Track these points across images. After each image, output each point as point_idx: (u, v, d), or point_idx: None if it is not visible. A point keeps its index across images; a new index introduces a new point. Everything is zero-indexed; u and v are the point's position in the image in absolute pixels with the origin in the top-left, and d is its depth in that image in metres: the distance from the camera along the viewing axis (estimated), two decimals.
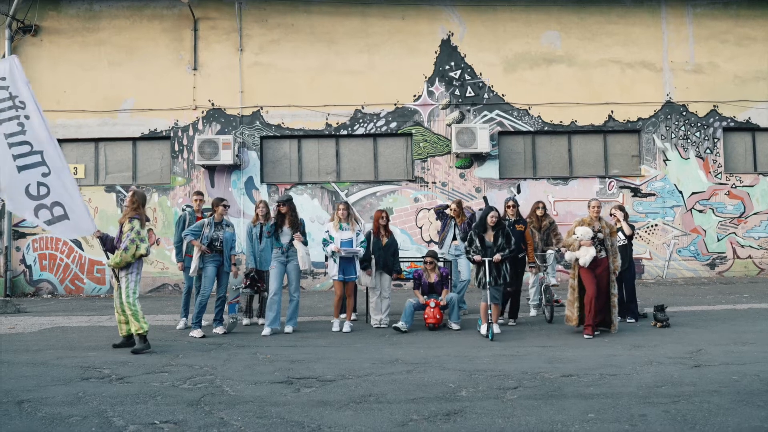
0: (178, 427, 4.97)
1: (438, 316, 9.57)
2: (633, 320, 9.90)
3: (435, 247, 13.55)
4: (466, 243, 9.20)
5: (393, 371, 6.82)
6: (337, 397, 5.79)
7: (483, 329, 8.90)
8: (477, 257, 8.95)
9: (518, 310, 10.18)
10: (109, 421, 5.12)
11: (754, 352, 7.40)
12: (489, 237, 9.01)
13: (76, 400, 5.72)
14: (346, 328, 9.39)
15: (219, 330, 9.43)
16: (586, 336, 8.63)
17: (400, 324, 9.34)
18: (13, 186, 8.12)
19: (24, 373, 6.90)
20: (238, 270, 9.84)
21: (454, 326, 9.59)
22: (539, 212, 10.83)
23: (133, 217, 8.20)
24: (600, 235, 8.94)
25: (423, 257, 10.45)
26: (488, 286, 8.90)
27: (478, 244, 8.99)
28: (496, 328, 9.03)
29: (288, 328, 9.49)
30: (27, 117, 8.26)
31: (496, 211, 9.12)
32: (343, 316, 9.85)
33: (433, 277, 9.98)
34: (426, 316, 9.61)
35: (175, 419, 5.14)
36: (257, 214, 10.33)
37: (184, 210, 10.37)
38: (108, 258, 8.31)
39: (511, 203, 10.30)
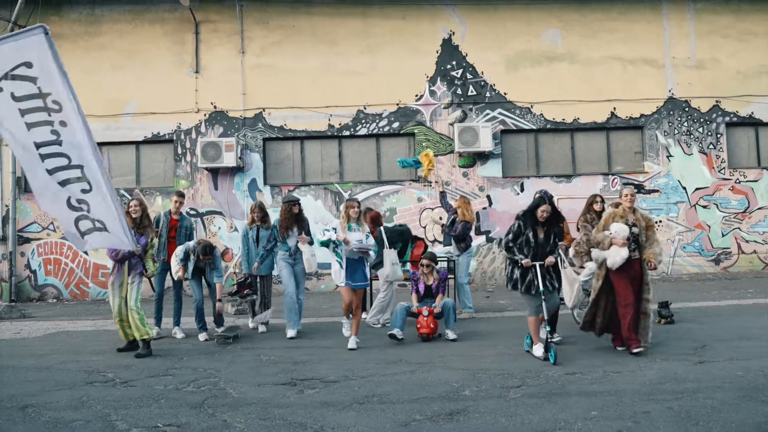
0: (181, 430, 4.98)
1: (432, 326, 8.67)
2: None
3: (438, 247, 13.58)
4: (509, 237, 7.39)
5: (396, 371, 6.83)
6: (341, 398, 5.80)
7: (538, 351, 7.25)
8: (525, 261, 7.21)
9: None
10: (112, 424, 5.14)
11: (758, 348, 7.38)
12: (540, 232, 7.34)
13: (79, 405, 5.73)
14: (352, 344, 8.20)
15: (220, 329, 9.28)
16: (634, 350, 7.21)
17: (396, 331, 8.47)
18: (54, 200, 7.15)
19: (28, 377, 6.92)
20: (222, 306, 9.42)
21: (450, 335, 8.62)
22: (597, 207, 9.14)
23: (153, 230, 8.42)
24: (635, 229, 7.54)
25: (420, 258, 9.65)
26: (542, 296, 7.20)
27: (531, 238, 7.29)
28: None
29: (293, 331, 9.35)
30: (63, 123, 6.83)
31: (549, 203, 7.33)
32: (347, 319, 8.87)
33: (431, 281, 9.16)
34: (419, 326, 8.71)
35: (178, 422, 5.15)
36: (252, 218, 9.75)
37: (188, 213, 10.23)
38: (147, 269, 8.25)
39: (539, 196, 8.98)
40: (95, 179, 7.00)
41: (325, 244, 8.30)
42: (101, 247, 7.96)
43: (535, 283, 7.22)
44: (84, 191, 7.07)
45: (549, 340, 7.06)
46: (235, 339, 8.92)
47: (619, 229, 7.42)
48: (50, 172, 6.98)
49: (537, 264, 7.22)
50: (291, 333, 9.12)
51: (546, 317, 7.15)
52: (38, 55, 6.60)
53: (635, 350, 7.21)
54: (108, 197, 7.10)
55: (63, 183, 7.04)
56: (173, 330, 9.59)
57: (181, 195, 10.09)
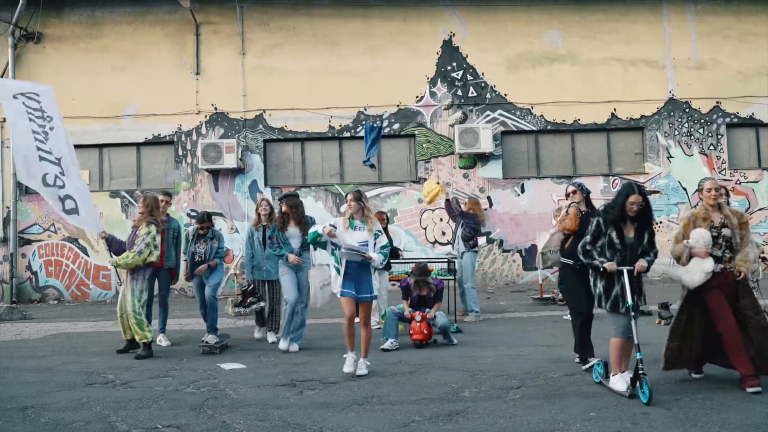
0: (180, 431, 4.99)
1: (426, 331, 8.18)
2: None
3: (440, 249, 13.58)
4: (587, 238, 5.88)
5: (396, 372, 6.83)
6: (340, 399, 5.81)
7: (620, 384, 5.66)
8: (609, 264, 5.66)
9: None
10: (112, 425, 5.15)
11: None
12: (629, 231, 5.79)
13: (79, 406, 5.75)
14: (362, 369, 6.70)
15: (210, 338, 8.58)
16: (751, 390, 5.53)
17: (388, 344, 8.04)
18: (35, 169, 8.35)
19: (28, 379, 6.94)
20: (217, 263, 8.89)
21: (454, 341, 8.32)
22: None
23: (151, 222, 8.12)
24: (725, 231, 5.96)
25: (411, 270, 9.04)
26: (632, 312, 5.63)
27: (616, 239, 5.77)
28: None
29: (294, 347, 8.21)
30: (52, 129, 8.64)
31: (640, 192, 5.77)
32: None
33: (425, 292, 8.59)
34: (412, 332, 8.24)
35: (177, 423, 5.16)
36: (259, 215, 8.98)
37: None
38: (111, 257, 8.26)
39: (572, 189, 7.29)
40: (69, 171, 8.47)
41: (312, 240, 6.88)
42: (75, 223, 9.06)
43: (624, 296, 5.64)
44: (60, 174, 8.39)
45: (641, 372, 5.39)
46: (222, 349, 8.31)
47: (698, 236, 5.89)
48: (37, 148, 8.43)
49: (625, 269, 5.67)
50: (283, 345, 8.15)
51: (637, 340, 5.57)
52: (45, 92, 9.13)
53: (752, 389, 5.55)
54: (80, 187, 8.62)
55: (42, 158, 8.41)
56: (158, 337, 8.95)
57: (168, 194, 9.66)
